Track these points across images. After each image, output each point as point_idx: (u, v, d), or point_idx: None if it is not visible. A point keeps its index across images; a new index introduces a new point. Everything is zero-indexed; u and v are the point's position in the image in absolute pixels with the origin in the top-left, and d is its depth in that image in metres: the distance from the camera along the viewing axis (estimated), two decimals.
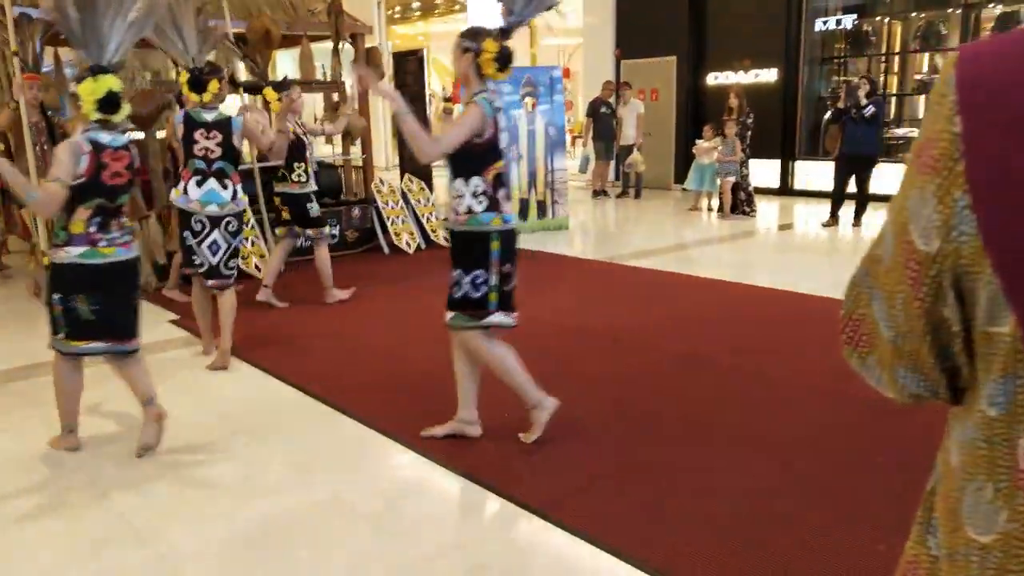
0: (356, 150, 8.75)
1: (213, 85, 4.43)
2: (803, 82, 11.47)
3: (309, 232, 5.86)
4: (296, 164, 5.62)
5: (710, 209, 10.40)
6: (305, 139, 5.75)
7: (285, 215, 5.82)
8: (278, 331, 5.30)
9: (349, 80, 8.64)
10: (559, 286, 6.46)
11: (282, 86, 5.74)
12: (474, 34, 3.19)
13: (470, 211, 3.14)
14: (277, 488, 3.14)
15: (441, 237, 8.11)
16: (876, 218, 9.23)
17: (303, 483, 3.18)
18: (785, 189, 11.61)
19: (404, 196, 8.28)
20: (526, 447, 3.35)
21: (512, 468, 3.20)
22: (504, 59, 3.13)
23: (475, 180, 3.13)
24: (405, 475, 3.27)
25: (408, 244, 8.01)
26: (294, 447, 3.54)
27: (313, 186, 5.83)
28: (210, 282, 4.53)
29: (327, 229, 6.06)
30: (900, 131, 11.70)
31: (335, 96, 8.96)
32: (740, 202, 9.78)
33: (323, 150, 9.41)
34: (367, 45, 9.17)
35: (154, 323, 5.62)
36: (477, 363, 3.36)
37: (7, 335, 5.42)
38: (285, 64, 11.63)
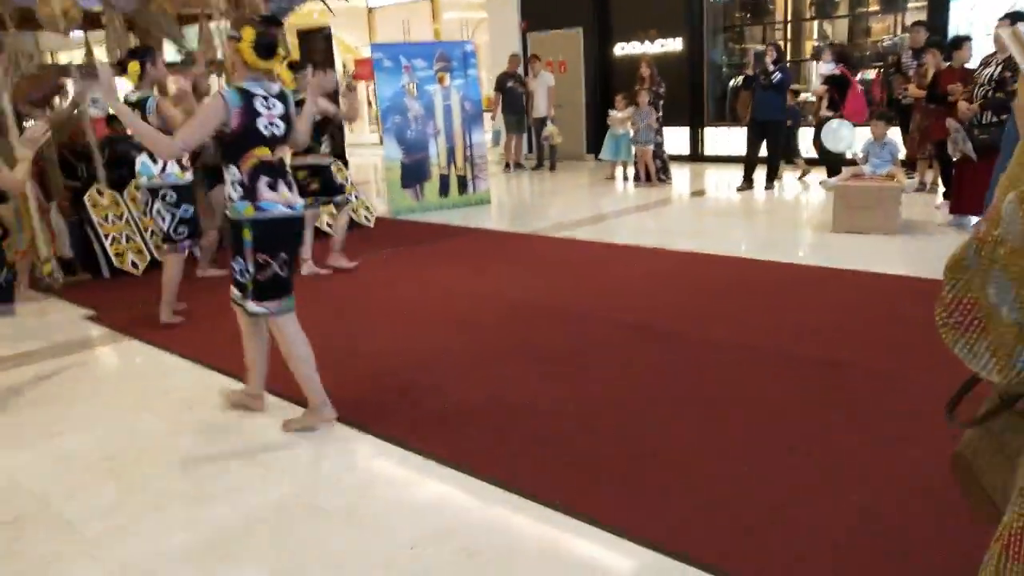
0: None
1: (132, 67, 4.70)
2: (707, 51, 11.70)
3: (337, 198, 6.20)
4: (322, 137, 5.89)
5: (625, 178, 10.54)
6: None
7: (314, 186, 5.95)
8: (213, 320, 5.06)
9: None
10: (492, 262, 6.42)
11: (297, 66, 5.58)
12: (239, 22, 3.26)
13: (230, 198, 3.23)
14: (235, 488, 2.99)
15: (363, 217, 7.95)
16: (784, 179, 9.57)
17: (262, 482, 3.04)
18: (696, 155, 11.87)
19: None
20: (492, 427, 3.32)
21: (488, 449, 3.15)
22: (264, 48, 3.14)
23: (232, 168, 3.21)
24: (368, 465, 3.17)
25: (367, 219, 7.95)
26: (247, 444, 3.39)
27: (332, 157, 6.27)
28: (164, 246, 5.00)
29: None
30: (802, 96, 12.11)
31: None
32: (656, 170, 9.94)
33: None
34: None
35: (70, 321, 5.31)
36: (276, 340, 3.42)
37: None
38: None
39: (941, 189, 7.82)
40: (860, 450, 2.95)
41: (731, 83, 12.04)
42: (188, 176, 5.04)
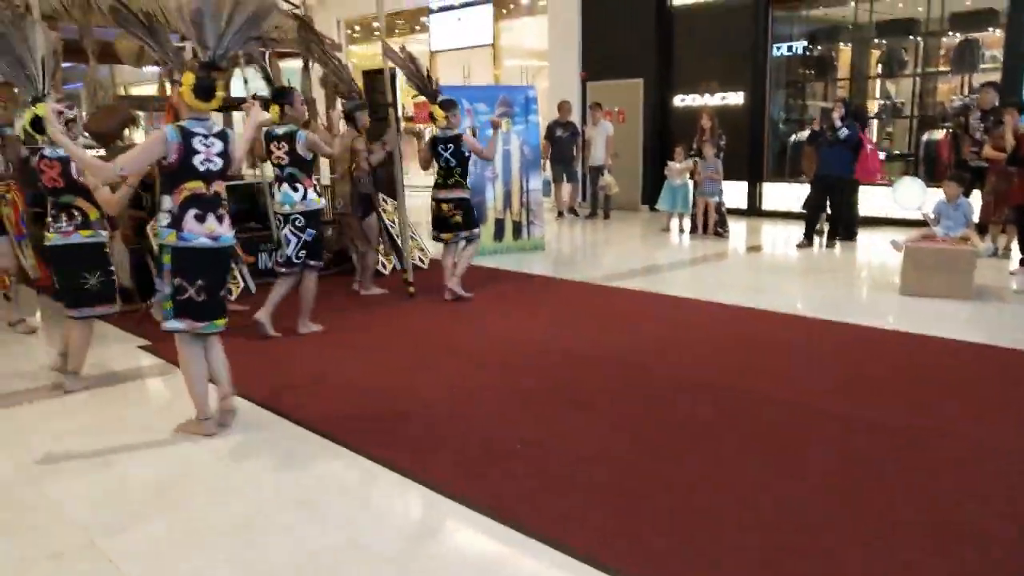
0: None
1: (273, 109, 5.32)
2: (768, 105, 11.59)
3: (474, 231, 6.53)
4: (467, 172, 6.38)
5: (681, 230, 10.39)
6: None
7: (457, 218, 6.35)
8: (249, 362, 5.04)
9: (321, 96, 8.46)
10: (543, 307, 6.33)
11: (450, 105, 6.25)
12: (183, 67, 3.67)
13: (160, 224, 3.55)
14: (286, 528, 2.90)
15: (416, 258, 7.92)
16: (862, 240, 9.32)
17: (313, 523, 2.94)
18: (753, 210, 11.68)
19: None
20: (537, 475, 3.19)
21: (530, 498, 3.01)
22: (202, 90, 3.46)
23: (166, 198, 3.53)
24: (421, 513, 3.06)
25: (383, 266, 7.79)
26: (299, 485, 3.30)
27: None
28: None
29: None
30: None
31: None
32: (714, 223, 9.79)
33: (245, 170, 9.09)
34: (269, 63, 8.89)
35: (124, 351, 5.34)
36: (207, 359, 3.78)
37: None
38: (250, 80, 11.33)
39: (1016, 255, 7.51)
40: (928, 527, 2.74)
41: (792, 138, 11.90)
42: (322, 201, 5.51)
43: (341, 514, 3.00)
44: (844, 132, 8.45)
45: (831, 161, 8.63)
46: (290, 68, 9.08)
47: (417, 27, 18.32)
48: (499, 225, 8.89)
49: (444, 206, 6.31)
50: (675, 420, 3.84)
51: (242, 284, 6.68)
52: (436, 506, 3.05)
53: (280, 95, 5.46)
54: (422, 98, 6.80)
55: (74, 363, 4.47)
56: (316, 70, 8.34)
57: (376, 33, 19.63)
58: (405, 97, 18.88)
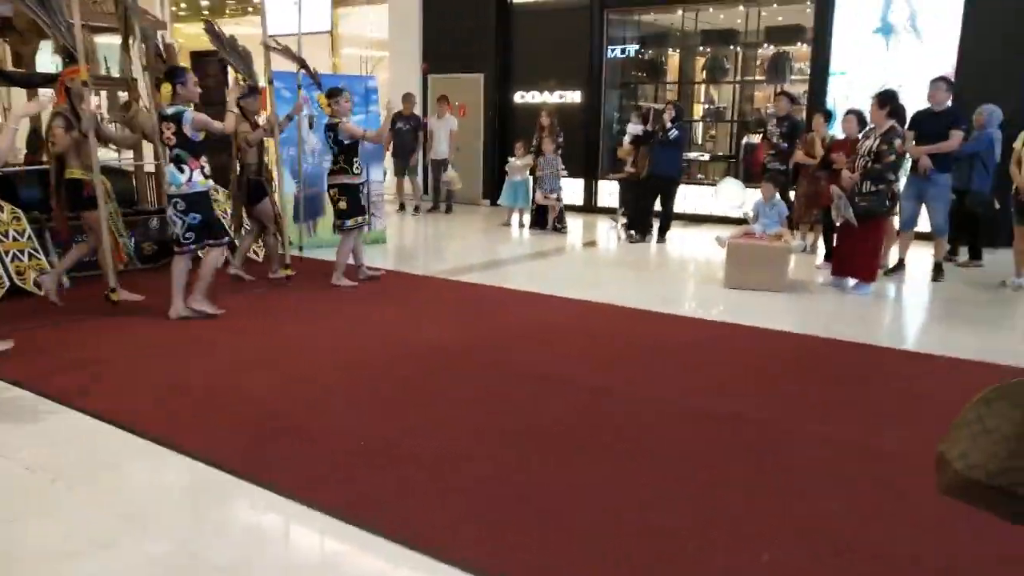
0: (149, 154, 7.97)
1: (164, 87, 5.29)
2: (604, 105, 12.03)
3: (360, 219, 6.60)
4: (355, 159, 6.43)
5: (521, 225, 10.58)
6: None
7: (342, 204, 6.46)
8: (67, 356, 4.63)
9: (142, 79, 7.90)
10: (386, 302, 6.23)
11: (334, 93, 6.25)
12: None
13: None
14: (109, 543, 2.67)
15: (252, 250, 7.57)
16: (677, 234, 9.85)
17: (140, 535, 2.73)
18: (589, 207, 12.09)
19: None
20: (386, 475, 3.13)
21: (383, 501, 2.95)
22: None
23: None
24: (259, 519, 2.91)
25: (255, 253, 7.48)
26: (121, 494, 3.06)
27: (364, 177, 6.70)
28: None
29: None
30: (691, 154, 12.61)
31: (123, 94, 8.16)
32: (553, 219, 10.04)
33: (110, 154, 8.49)
34: (163, 42, 8.43)
35: None
36: None
37: None
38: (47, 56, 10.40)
39: (821, 251, 8.22)
40: (767, 504, 2.95)
41: (625, 138, 12.42)
42: (209, 183, 5.46)
43: (168, 523, 2.81)
44: (674, 133, 8.91)
45: (661, 160, 9.08)
46: (107, 44, 8.44)
47: (250, 9, 17.51)
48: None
49: (330, 191, 6.60)
50: (518, 412, 3.89)
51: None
52: (275, 508, 2.92)
53: (172, 74, 5.38)
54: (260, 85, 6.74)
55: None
56: (137, 48, 7.77)
57: (205, 13, 18.62)
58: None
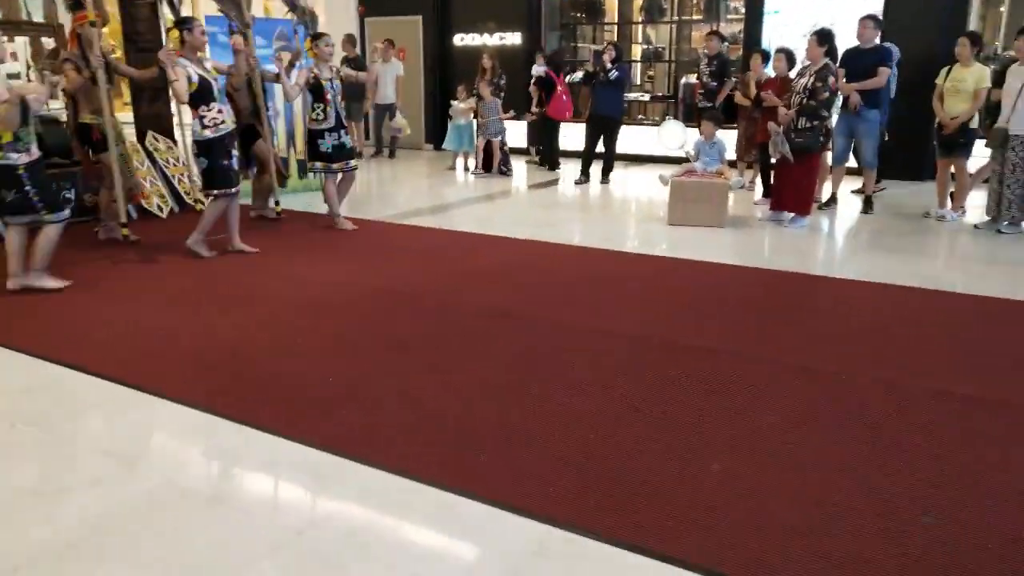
0: None
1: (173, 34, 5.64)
2: (544, 47, 12.02)
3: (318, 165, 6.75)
4: (317, 104, 6.55)
5: (466, 168, 10.63)
6: (328, 83, 6.53)
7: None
8: (37, 307, 4.62)
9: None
10: (337, 249, 6.29)
11: (185, 23, 5.79)
12: None
13: None
14: (95, 481, 2.77)
15: (194, 200, 7.49)
16: (620, 175, 10.05)
17: (124, 472, 2.84)
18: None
19: (150, 156, 7.51)
20: (361, 411, 3.28)
21: (357, 430, 3.11)
22: None
23: None
24: (237, 453, 3.03)
25: (160, 208, 7.31)
26: (99, 434, 3.14)
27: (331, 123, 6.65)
28: None
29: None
30: (631, 95, 12.75)
31: (48, 40, 7.90)
32: (498, 161, 10.12)
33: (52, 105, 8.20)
34: None
35: None
36: None
37: None
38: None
39: (759, 187, 8.52)
40: (716, 418, 3.20)
41: (567, 79, 12.45)
42: (207, 134, 5.59)
43: (152, 460, 2.92)
44: (615, 74, 9.04)
45: (602, 101, 9.21)
46: None
47: None
48: (283, 164, 8.59)
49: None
50: (475, 346, 4.06)
51: None
52: (252, 443, 3.05)
53: (181, 23, 5.67)
54: None
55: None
56: None
57: None
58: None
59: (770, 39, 10.11)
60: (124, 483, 2.76)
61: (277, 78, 6.86)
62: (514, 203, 8.71)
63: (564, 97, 10.12)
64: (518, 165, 10.92)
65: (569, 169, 10.24)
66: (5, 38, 7.60)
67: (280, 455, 2.96)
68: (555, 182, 9.90)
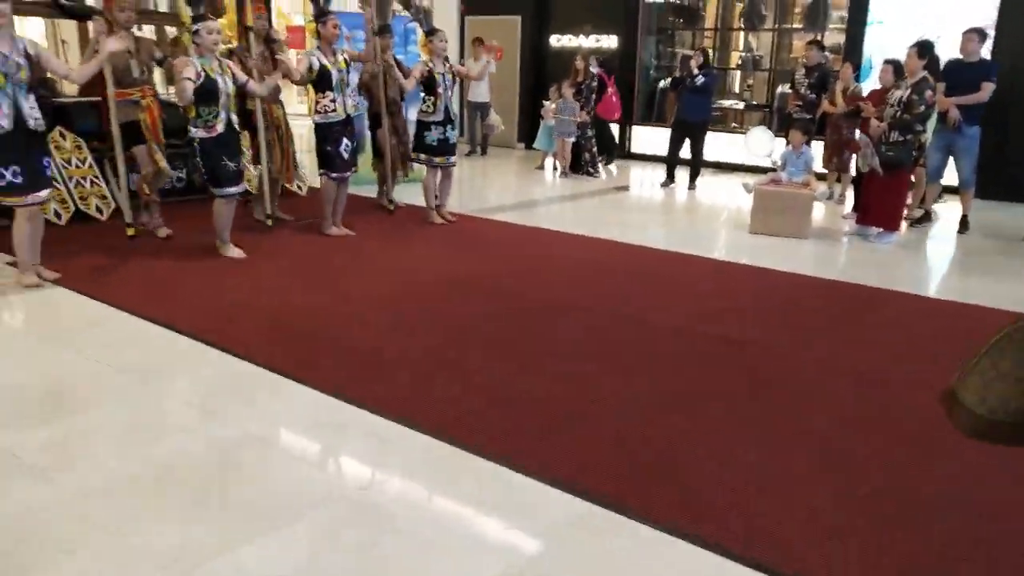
0: None
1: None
2: (640, 51, 12.06)
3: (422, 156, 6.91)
4: (428, 96, 6.67)
5: (555, 168, 10.78)
6: (441, 77, 6.64)
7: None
8: (140, 272, 5.04)
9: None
10: (425, 239, 6.55)
11: (320, 16, 6.06)
12: None
13: None
14: (182, 427, 3.07)
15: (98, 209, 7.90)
16: (708, 182, 10.01)
17: (207, 421, 3.13)
18: (623, 152, 12.22)
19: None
20: (427, 380, 3.49)
21: (417, 400, 3.31)
22: None
23: None
24: (314, 411, 3.28)
25: (299, 188, 7.86)
26: (186, 387, 3.46)
27: (440, 117, 6.75)
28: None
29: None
30: (726, 103, 12.64)
31: (173, 30, 8.45)
32: (585, 163, 10.23)
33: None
34: None
35: None
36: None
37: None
38: None
39: (850, 200, 8.36)
40: (762, 416, 3.25)
41: (660, 84, 12.45)
42: (196, 132, 5.36)
43: (234, 413, 3.20)
44: (701, 80, 9.04)
45: (689, 107, 9.24)
46: None
47: None
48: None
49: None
50: (547, 338, 4.21)
51: (113, 203, 6.51)
52: (323, 405, 3.29)
53: (317, 16, 6.05)
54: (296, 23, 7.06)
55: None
56: None
57: None
58: (279, 20, 18.20)
59: (872, 49, 9.88)
60: (204, 431, 3.04)
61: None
62: (596, 204, 8.81)
63: (614, 99, 10.54)
64: (630, 170, 11.00)
65: (721, 183, 10.20)
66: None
67: (347, 417, 3.20)
68: (642, 186, 9.94)
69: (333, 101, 6.03)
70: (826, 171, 8.73)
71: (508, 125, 12.81)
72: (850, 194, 8.36)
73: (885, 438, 3.13)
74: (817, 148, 8.20)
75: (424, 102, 6.73)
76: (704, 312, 4.72)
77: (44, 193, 4.62)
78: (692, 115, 9.26)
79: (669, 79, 10.13)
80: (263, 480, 2.70)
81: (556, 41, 12.62)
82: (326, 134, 6.09)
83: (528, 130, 12.69)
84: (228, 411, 3.25)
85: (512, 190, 9.49)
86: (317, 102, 6.03)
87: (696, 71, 9.03)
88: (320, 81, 5.97)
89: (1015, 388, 1.36)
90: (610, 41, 12.06)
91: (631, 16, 11.84)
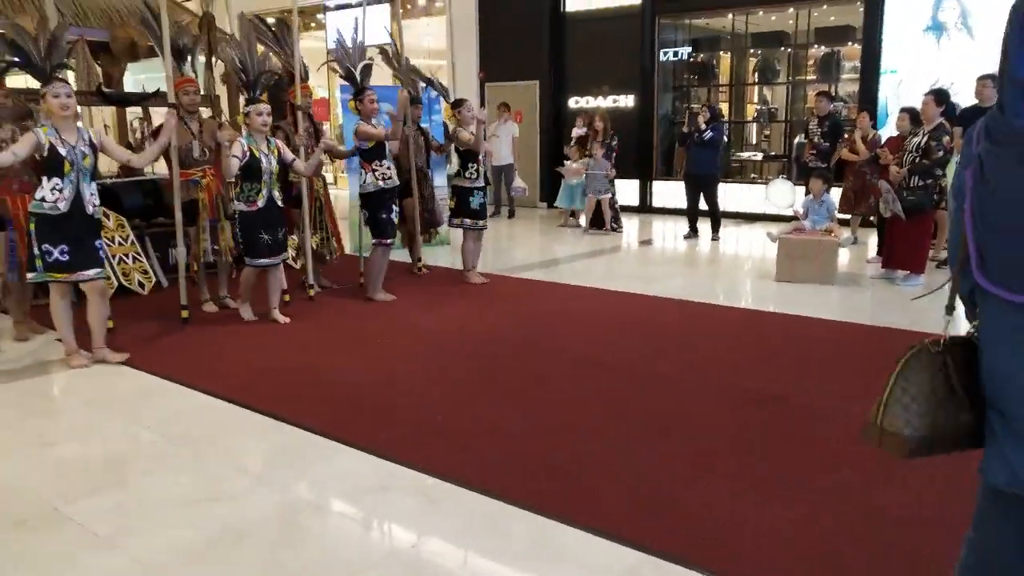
0: None
1: None
2: (657, 108, 12.34)
3: (467, 221, 7.02)
4: (471, 163, 6.86)
5: (578, 226, 10.95)
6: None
7: (450, 205, 7.13)
8: (183, 343, 5.20)
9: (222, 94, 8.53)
10: (453, 298, 6.69)
11: (358, 94, 6.46)
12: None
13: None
14: (235, 494, 3.16)
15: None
16: (731, 232, 10.12)
17: (260, 487, 3.22)
18: (644, 207, 12.41)
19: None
20: (452, 430, 3.57)
21: (463, 458, 3.39)
22: None
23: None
24: (363, 473, 3.37)
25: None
26: (239, 454, 3.56)
27: (481, 183, 7.00)
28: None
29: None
30: (744, 154, 12.84)
31: (207, 112, 8.80)
32: (609, 219, 10.40)
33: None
34: None
35: (44, 341, 5.37)
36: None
37: None
38: (136, 76, 11.22)
39: (874, 245, 8.42)
40: (798, 470, 3.29)
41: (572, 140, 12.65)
42: (379, 183, 6.20)
43: (283, 478, 3.29)
44: (708, 134, 9.27)
45: (698, 161, 9.46)
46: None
47: (312, 24, 18.27)
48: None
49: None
50: (567, 393, 4.29)
51: (154, 278, 6.73)
52: (367, 464, 3.38)
53: (356, 94, 6.39)
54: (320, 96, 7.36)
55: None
56: (219, 66, 8.42)
57: (274, 29, 19.44)
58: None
59: (886, 97, 10.05)
60: (257, 497, 3.13)
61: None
62: (622, 258, 8.95)
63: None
64: (652, 225, 11.16)
65: (744, 233, 10.32)
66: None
67: (393, 477, 3.28)
68: (665, 239, 10.06)
69: (389, 168, 6.27)
70: (848, 217, 8.82)
71: (529, 185, 13.06)
72: (873, 239, 8.42)
73: (925, 494, 3.15)
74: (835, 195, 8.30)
75: (466, 169, 6.90)
76: (729, 365, 4.78)
77: (92, 272, 4.76)
78: (700, 169, 9.49)
79: (583, 134, 10.53)
80: (318, 543, 2.78)
81: (575, 103, 12.94)
82: (380, 201, 6.26)
83: (550, 189, 12.93)
84: (277, 477, 3.35)
85: (538, 248, 9.65)
86: (372, 171, 6.20)
87: (704, 126, 9.27)
88: (372, 150, 6.20)
89: (930, 402, 1.54)
90: (627, 100, 12.36)
91: (647, 75, 12.15)
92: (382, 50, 8.01)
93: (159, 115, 7.79)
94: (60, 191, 4.51)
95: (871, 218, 8.73)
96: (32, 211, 4.54)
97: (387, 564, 2.64)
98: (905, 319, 5.74)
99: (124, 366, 4.82)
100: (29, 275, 4.68)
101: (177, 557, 2.68)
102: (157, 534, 2.83)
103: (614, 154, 10.40)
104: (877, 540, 2.71)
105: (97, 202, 4.73)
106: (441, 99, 8.85)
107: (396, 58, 7.94)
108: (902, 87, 9.98)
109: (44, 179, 4.53)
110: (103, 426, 3.92)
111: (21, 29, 4.92)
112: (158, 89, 7.83)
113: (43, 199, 4.49)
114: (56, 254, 4.57)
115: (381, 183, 6.24)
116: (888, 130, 8.96)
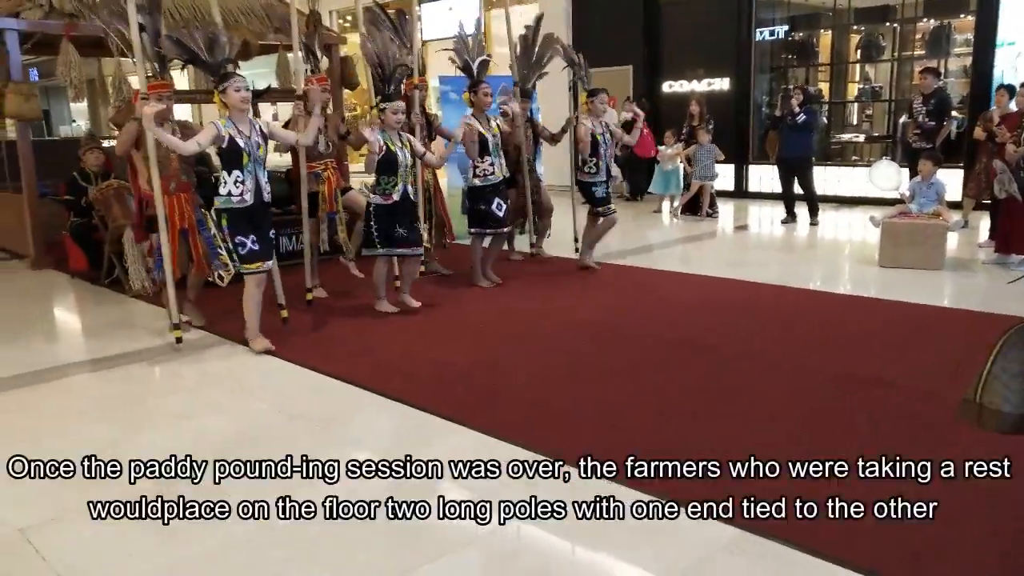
0: None
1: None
2: (754, 90, 12.10)
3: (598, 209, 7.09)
4: (591, 158, 6.92)
5: (672, 211, 10.89)
6: (601, 138, 6.90)
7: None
8: (307, 329, 5.52)
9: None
10: (549, 284, 6.81)
11: (473, 86, 6.57)
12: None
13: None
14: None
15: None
16: (830, 217, 9.87)
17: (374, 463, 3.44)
18: (741, 192, 12.21)
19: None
20: (582, 418, 3.70)
21: (570, 437, 3.52)
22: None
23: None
24: (463, 453, 3.54)
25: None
26: (361, 432, 3.80)
27: (603, 176, 7.04)
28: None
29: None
30: (845, 136, 12.45)
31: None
32: (705, 204, 10.31)
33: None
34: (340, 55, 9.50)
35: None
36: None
37: None
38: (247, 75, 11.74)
39: (985, 228, 8.08)
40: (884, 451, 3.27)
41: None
42: (477, 181, 6.38)
43: (397, 453, 3.51)
44: (802, 117, 9.04)
45: (790, 144, 9.24)
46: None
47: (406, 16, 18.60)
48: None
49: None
50: (661, 376, 4.36)
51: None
52: (473, 441, 3.55)
53: (471, 87, 6.54)
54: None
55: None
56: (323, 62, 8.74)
57: (393, 20, 19.92)
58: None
59: (1003, 71, 9.57)
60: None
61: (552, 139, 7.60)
62: (719, 244, 8.88)
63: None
64: (748, 210, 11.03)
65: (846, 217, 10.15)
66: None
67: (504, 455, 3.44)
68: (762, 224, 9.90)
69: (492, 164, 6.40)
70: (959, 200, 8.47)
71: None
72: (985, 222, 8.08)
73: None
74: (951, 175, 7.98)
75: (587, 163, 6.94)
76: (834, 349, 4.74)
77: (270, 263, 5.04)
78: (793, 152, 9.26)
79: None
80: (433, 513, 2.96)
81: (669, 87, 12.83)
82: (480, 195, 6.42)
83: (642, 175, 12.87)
84: (392, 453, 3.56)
85: (633, 234, 9.66)
86: (476, 166, 6.38)
87: (797, 108, 9.05)
88: (481, 146, 6.34)
89: None
90: (723, 83, 12.16)
91: (743, 56, 11.93)
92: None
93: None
94: (242, 183, 4.78)
95: (984, 200, 8.37)
96: (221, 207, 4.78)
97: (496, 535, 2.80)
98: (1018, 305, 5.53)
99: (248, 349, 5.13)
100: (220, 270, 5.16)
101: (310, 525, 2.91)
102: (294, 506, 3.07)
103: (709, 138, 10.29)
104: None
105: (269, 189, 4.94)
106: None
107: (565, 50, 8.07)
108: (1020, 59, 9.48)
109: (224, 174, 4.76)
110: (236, 406, 4.23)
111: (185, 32, 5.15)
112: (269, 85, 8.23)
113: (229, 194, 4.74)
114: (249, 244, 4.84)
115: (478, 181, 6.40)
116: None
